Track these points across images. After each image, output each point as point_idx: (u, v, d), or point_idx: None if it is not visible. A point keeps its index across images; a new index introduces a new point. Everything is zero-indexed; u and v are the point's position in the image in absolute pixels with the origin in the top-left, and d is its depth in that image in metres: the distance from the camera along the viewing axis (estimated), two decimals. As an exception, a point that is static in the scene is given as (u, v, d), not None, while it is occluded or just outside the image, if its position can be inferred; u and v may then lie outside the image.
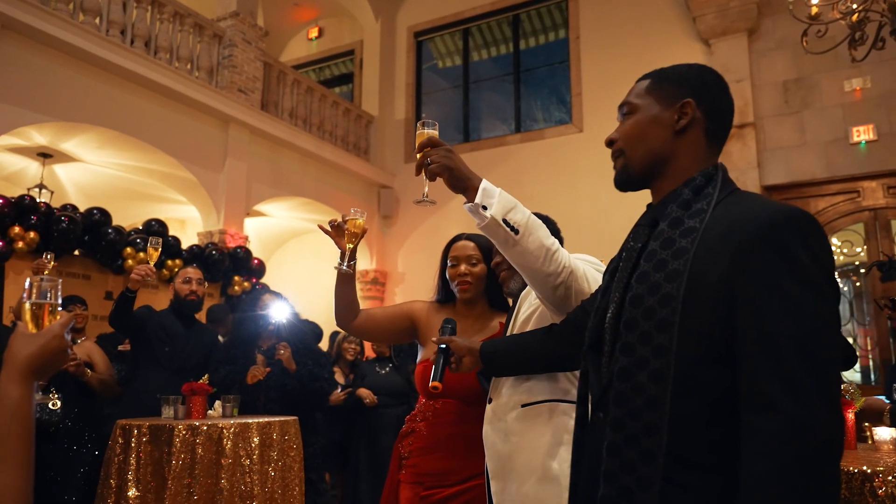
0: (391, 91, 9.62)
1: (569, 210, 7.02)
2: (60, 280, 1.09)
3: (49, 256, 3.82)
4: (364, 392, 4.22)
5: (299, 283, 8.88)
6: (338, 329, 5.41)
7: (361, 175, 8.83)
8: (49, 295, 1.05)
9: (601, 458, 1.04)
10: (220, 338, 3.95)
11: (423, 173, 1.57)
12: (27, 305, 1.03)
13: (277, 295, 3.76)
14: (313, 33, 10.61)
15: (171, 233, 6.34)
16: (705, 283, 0.99)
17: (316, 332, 4.93)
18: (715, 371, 0.97)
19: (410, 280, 8.92)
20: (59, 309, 1.05)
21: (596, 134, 7.98)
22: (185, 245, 6.33)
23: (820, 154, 6.58)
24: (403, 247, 9.09)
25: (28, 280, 1.05)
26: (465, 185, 1.51)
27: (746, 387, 0.94)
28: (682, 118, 1.15)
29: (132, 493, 2.50)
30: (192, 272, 3.71)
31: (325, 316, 6.56)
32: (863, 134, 6.45)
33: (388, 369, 4.42)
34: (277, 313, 3.53)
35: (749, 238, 0.97)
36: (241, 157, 7.20)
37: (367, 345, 5.35)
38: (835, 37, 5.01)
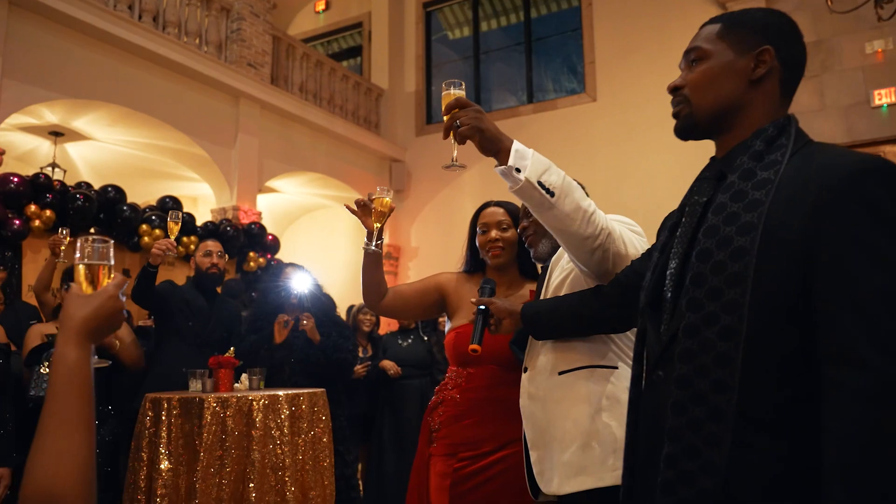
0: (401, 64, 9.50)
1: (583, 180, 6.86)
2: (112, 241, 1.06)
3: (65, 232, 3.81)
4: (388, 363, 4.22)
5: (312, 258, 8.87)
6: (352, 303, 5.41)
7: (372, 149, 8.77)
8: (102, 255, 1.03)
9: (662, 418, 1.01)
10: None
11: (452, 136, 1.49)
12: (81, 267, 1.01)
13: (299, 267, 3.72)
14: (320, 6, 10.47)
15: (184, 210, 6.32)
16: (781, 236, 0.95)
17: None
18: (788, 328, 0.94)
19: (424, 254, 8.89)
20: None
21: (610, 103, 7.87)
22: (198, 222, 6.32)
23: (840, 118, 6.46)
24: (416, 221, 9.05)
25: (79, 241, 1.03)
26: (496, 147, 1.45)
27: (830, 343, 0.90)
28: (760, 67, 1.10)
29: (164, 465, 2.51)
30: (213, 245, 3.69)
31: (339, 291, 6.55)
32: (884, 97, 6.33)
33: (409, 341, 4.42)
34: (299, 284, 3.50)
35: (831, 189, 0.93)
36: (253, 133, 7.16)
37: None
38: (856, -3, 4.89)
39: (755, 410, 0.94)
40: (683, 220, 1.13)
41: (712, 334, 0.96)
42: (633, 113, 7.66)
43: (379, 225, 1.98)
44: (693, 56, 1.16)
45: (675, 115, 1.17)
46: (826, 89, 6.55)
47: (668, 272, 1.10)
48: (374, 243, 1.99)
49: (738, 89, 1.10)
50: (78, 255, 1.02)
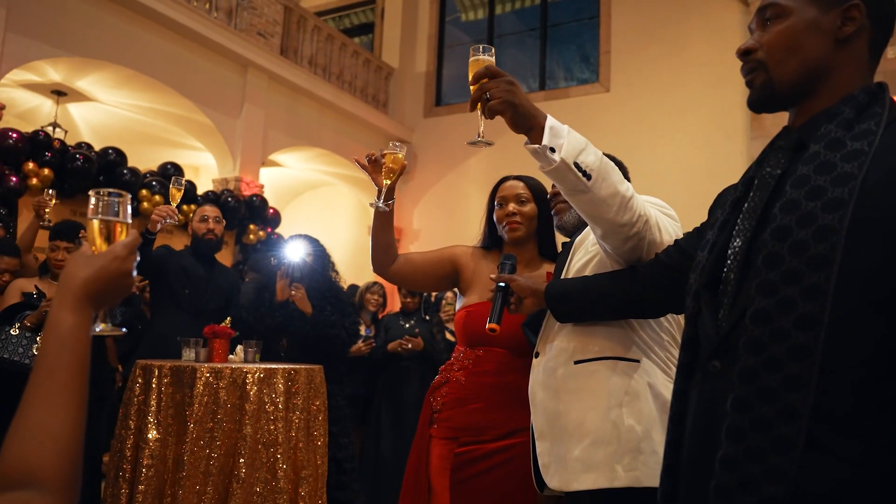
0: (412, 43, 9.36)
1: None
2: (130, 196, 0.95)
3: (51, 193, 3.69)
4: (395, 344, 4.07)
5: (313, 235, 8.76)
6: (353, 283, 5.30)
7: (379, 128, 8.64)
8: (119, 211, 0.91)
9: (717, 413, 0.90)
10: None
11: (479, 109, 1.35)
12: (95, 222, 0.90)
13: (312, 240, 3.57)
14: (334, -20, 10.30)
15: (186, 178, 6.21)
16: (878, 216, 0.83)
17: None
18: (876, 320, 0.83)
19: (426, 237, 8.79)
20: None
21: (623, 94, 7.75)
22: (200, 192, 6.22)
23: (858, 122, 6.35)
24: (419, 203, 8.94)
25: (92, 195, 0.91)
26: (530, 123, 1.30)
27: None
28: (847, 24, 0.97)
29: (152, 434, 2.41)
30: (210, 210, 3.56)
31: (339, 270, 6.46)
32: (903, 104, 6.22)
33: (412, 322, 4.31)
34: (291, 253, 3.34)
35: None
36: (259, 104, 7.03)
37: (390, 297, 5.24)
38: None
39: (833, 410, 0.83)
40: (752, 194, 1.00)
41: (787, 323, 0.85)
42: (646, 105, 7.54)
43: (389, 182, 1.87)
44: (769, 14, 1.02)
45: (748, 84, 1.04)
46: (845, 92, 6.43)
47: (729, 251, 0.99)
48: (382, 201, 1.89)
49: (824, 50, 0.98)
50: (91, 208, 0.91)
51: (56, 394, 0.73)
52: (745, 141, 6.81)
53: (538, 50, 8.79)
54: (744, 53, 1.03)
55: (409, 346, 4.04)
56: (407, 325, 4.29)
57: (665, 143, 7.30)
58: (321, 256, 3.55)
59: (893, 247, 0.83)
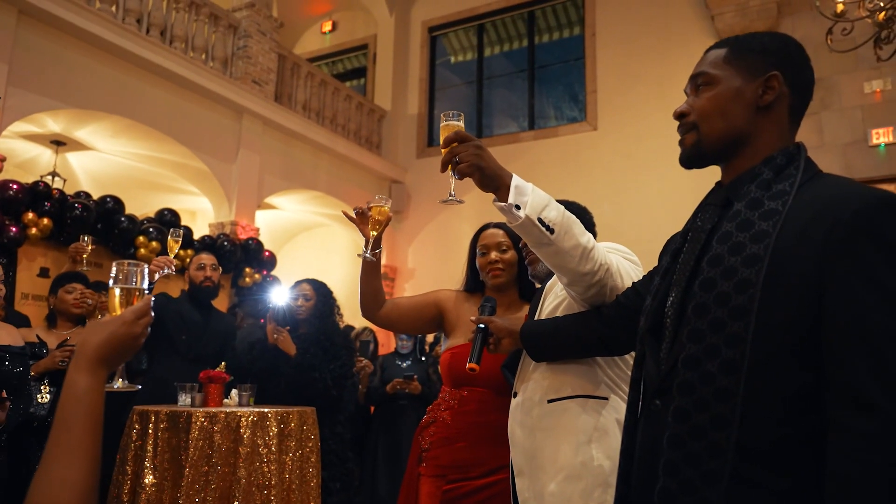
0: (404, 86, 9.58)
1: (582, 208, 6.96)
2: (146, 265, 1.06)
3: (87, 239, 3.75)
4: (395, 382, 4.12)
5: (308, 277, 8.83)
6: (348, 324, 5.36)
7: (373, 169, 8.79)
8: (136, 280, 1.02)
9: (657, 449, 0.98)
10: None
11: (450, 170, 1.45)
12: (116, 291, 1.01)
13: (318, 285, 3.62)
14: (327, 27, 10.58)
15: (182, 223, 6.31)
16: (789, 270, 0.92)
17: None
18: (792, 363, 0.91)
19: (420, 276, 8.88)
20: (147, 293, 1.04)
21: (610, 132, 7.93)
22: (196, 236, 6.31)
23: (838, 156, 6.51)
24: (413, 242, 9.04)
25: (114, 265, 1.03)
26: (496, 184, 1.40)
27: (838, 383, 0.87)
28: (768, 93, 1.07)
29: (149, 479, 2.46)
30: (206, 258, 3.66)
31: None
32: (882, 136, 6.38)
33: (408, 362, 4.37)
34: (275, 297, 3.40)
35: (843, 224, 0.91)
36: (254, 149, 7.18)
37: (387, 337, 5.30)
38: (855, 38, 4.96)
39: (755, 446, 0.91)
40: (686, 246, 1.10)
41: (713, 367, 0.93)
42: (632, 142, 7.72)
43: (375, 233, 1.97)
44: (700, 81, 1.13)
45: (680, 143, 1.14)
46: (825, 127, 6.60)
47: (668, 299, 1.08)
48: (370, 251, 1.98)
49: (747, 116, 1.07)
50: (112, 278, 1.02)
51: (73, 447, 0.83)
52: (730, 175, 6.97)
53: (527, 90, 9.01)
54: (679, 116, 1.14)
55: (407, 389, 4.10)
56: (404, 365, 4.35)
57: (652, 178, 7.44)
58: (323, 301, 3.57)
59: (803, 298, 0.91)
